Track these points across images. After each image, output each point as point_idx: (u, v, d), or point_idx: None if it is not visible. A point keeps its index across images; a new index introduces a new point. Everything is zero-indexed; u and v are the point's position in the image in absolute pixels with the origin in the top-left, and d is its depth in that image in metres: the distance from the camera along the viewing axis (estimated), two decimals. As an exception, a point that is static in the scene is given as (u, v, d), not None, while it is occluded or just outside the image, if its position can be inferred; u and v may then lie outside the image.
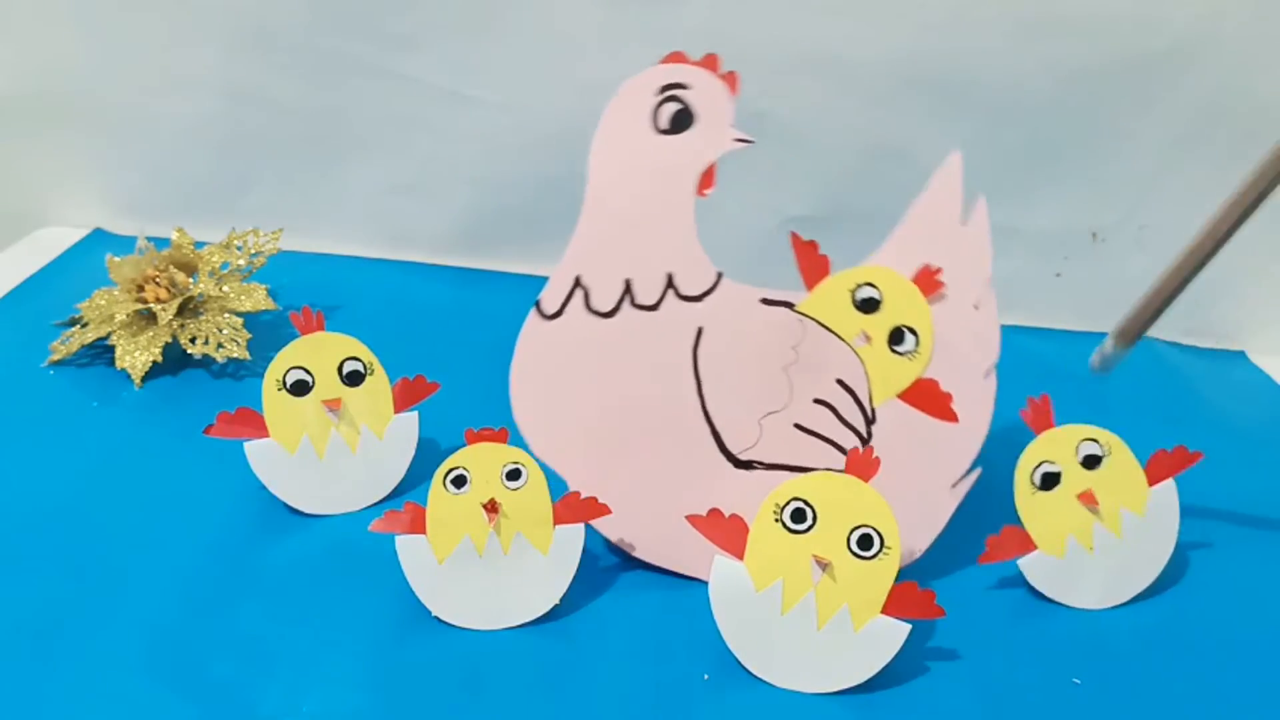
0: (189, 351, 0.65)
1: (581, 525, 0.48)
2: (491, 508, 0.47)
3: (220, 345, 0.65)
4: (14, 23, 0.75)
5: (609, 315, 0.49)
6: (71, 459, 0.58)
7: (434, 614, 0.48)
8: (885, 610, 0.45)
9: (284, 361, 0.54)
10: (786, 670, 0.46)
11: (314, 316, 0.54)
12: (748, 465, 0.50)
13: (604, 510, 0.49)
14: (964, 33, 0.69)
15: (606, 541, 0.52)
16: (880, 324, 0.50)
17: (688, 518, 0.46)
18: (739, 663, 0.47)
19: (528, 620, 0.49)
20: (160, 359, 0.64)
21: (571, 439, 0.50)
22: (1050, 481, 0.51)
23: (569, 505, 0.48)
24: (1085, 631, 0.51)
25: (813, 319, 0.50)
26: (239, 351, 0.65)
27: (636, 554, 0.52)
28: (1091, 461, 0.51)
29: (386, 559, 0.48)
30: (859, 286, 0.49)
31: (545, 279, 0.49)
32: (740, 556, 0.46)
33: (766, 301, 0.50)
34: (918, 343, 0.50)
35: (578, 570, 0.49)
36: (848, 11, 0.69)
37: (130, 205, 0.82)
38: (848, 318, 0.50)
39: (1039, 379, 0.53)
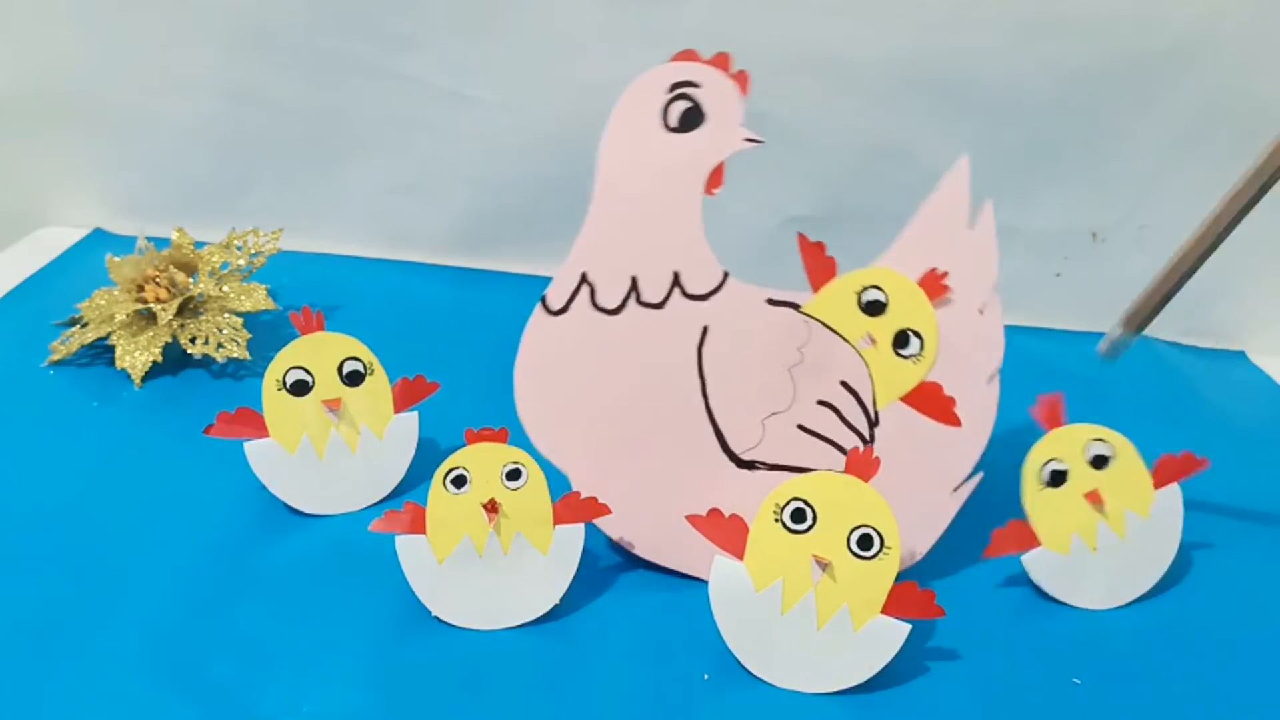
0: (189, 351, 0.65)
1: (581, 525, 0.48)
2: (491, 508, 0.47)
3: (220, 345, 0.65)
4: (14, 23, 0.75)
5: (614, 312, 0.49)
6: (71, 459, 0.57)
7: (434, 614, 0.48)
8: (885, 610, 0.45)
9: (284, 361, 0.54)
10: (786, 670, 0.46)
11: (314, 316, 0.54)
12: (750, 465, 0.50)
13: (604, 510, 0.48)
14: (964, 33, 0.69)
15: (607, 541, 0.52)
16: (885, 327, 0.50)
17: (687, 518, 0.46)
18: (739, 663, 0.47)
19: (528, 620, 0.49)
20: (160, 359, 0.64)
21: (574, 435, 0.50)
22: (1058, 479, 0.51)
23: (569, 505, 0.48)
24: (1085, 632, 0.51)
25: (818, 320, 0.50)
26: (239, 351, 0.65)
27: (637, 552, 0.52)
28: (1100, 461, 0.51)
29: (386, 559, 0.48)
30: (865, 289, 0.49)
31: (545, 279, 0.49)
32: (740, 556, 0.46)
33: (772, 302, 0.50)
34: (922, 346, 0.50)
35: (578, 570, 0.49)
36: (848, 11, 0.69)
37: (130, 205, 0.82)
38: (853, 320, 0.50)
39: (1039, 379, 0.53)
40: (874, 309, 0.50)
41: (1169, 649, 0.50)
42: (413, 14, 0.73)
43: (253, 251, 0.72)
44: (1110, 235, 0.76)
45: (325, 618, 0.48)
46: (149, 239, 0.70)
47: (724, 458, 0.50)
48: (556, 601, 0.49)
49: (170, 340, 0.65)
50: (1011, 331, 0.50)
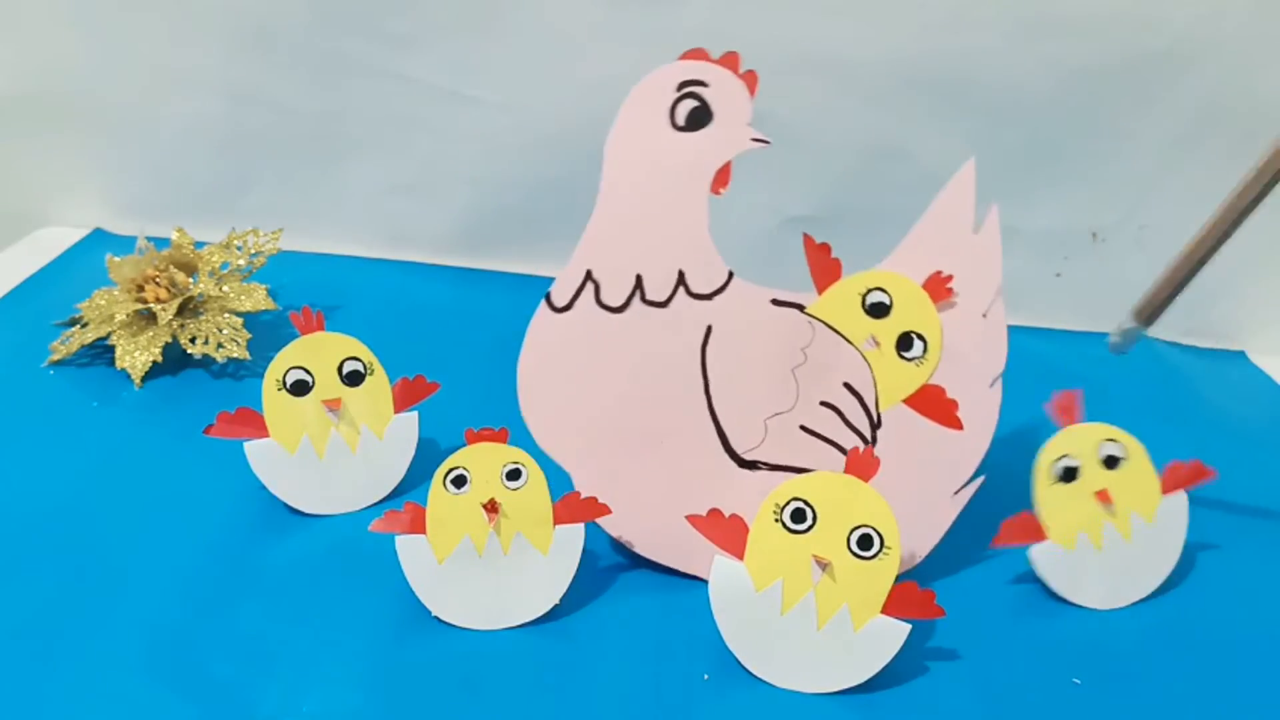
0: (189, 351, 0.65)
1: (581, 525, 0.48)
2: (491, 508, 0.47)
3: (220, 345, 0.65)
4: (14, 23, 0.75)
5: (619, 310, 0.49)
6: (71, 459, 0.57)
7: (434, 614, 0.48)
8: (885, 610, 0.45)
9: (284, 361, 0.54)
10: (786, 670, 0.46)
11: (314, 316, 0.54)
12: (752, 465, 0.50)
13: (604, 510, 0.48)
14: (964, 33, 0.69)
15: (608, 541, 0.52)
16: (889, 329, 0.50)
17: (687, 517, 0.46)
18: (739, 663, 0.47)
19: (528, 620, 0.49)
20: (160, 359, 0.64)
21: (576, 432, 0.50)
22: (1070, 475, 0.51)
23: (569, 505, 0.48)
24: (1085, 632, 0.51)
25: (822, 322, 0.50)
26: (239, 351, 0.65)
27: (638, 550, 0.52)
28: (1111, 462, 0.51)
29: (386, 559, 0.48)
30: (869, 291, 0.49)
31: (545, 279, 0.49)
32: (740, 556, 0.46)
33: (777, 302, 0.50)
34: (926, 349, 0.50)
35: (578, 570, 0.49)
36: (848, 11, 0.69)
37: (130, 205, 0.82)
38: (857, 322, 0.50)
39: (1039, 379, 0.53)
40: (878, 311, 0.50)
41: (1168, 649, 0.50)
42: (413, 14, 0.73)
43: (253, 251, 0.72)
44: (1110, 235, 0.76)
45: (325, 618, 0.48)
46: (149, 239, 0.70)
47: (726, 457, 0.50)
48: (556, 601, 0.49)
49: (170, 340, 0.65)
50: (1011, 331, 0.50)
